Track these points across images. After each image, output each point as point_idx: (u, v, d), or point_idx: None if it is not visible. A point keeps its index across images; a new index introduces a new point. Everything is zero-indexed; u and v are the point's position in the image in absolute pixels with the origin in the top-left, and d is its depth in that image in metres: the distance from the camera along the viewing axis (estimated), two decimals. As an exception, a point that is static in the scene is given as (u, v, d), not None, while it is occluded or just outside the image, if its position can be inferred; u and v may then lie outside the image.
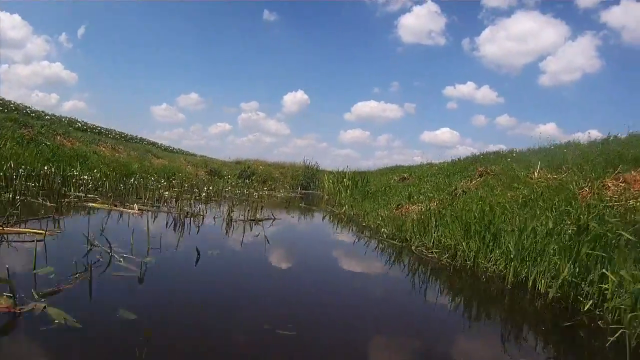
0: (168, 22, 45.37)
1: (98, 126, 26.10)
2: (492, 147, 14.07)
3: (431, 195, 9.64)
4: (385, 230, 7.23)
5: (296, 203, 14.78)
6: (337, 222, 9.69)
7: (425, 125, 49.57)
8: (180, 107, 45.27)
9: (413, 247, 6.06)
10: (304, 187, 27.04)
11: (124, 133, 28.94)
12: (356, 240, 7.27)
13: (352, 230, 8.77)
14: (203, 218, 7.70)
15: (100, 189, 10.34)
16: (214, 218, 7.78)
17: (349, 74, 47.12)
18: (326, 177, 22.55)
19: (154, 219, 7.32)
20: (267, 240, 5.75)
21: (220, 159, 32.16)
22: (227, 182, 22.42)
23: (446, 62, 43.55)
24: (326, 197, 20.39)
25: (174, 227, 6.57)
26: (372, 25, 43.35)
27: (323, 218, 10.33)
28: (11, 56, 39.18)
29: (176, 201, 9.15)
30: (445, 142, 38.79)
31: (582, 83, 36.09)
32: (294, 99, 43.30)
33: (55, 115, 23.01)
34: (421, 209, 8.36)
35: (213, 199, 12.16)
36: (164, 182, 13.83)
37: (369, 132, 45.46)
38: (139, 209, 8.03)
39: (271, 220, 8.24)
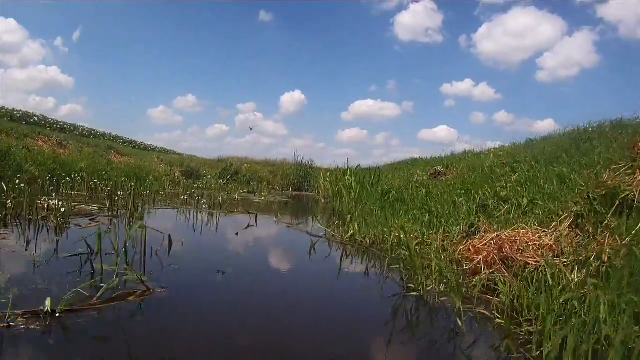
0: (163, 24, 42.83)
1: (61, 121, 22.95)
2: (490, 144, 12.54)
3: (541, 203, 4.52)
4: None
5: (275, 214, 9.60)
6: (346, 287, 4.18)
7: (423, 123, 48.02)
8: (177, 109, 42.97)
9: None
10: (297, 187, 22.06)
11: (94, 130, 25.92)
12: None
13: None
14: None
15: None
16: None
17: (346, 73, 44.27)
18: (322, 176, 17.44)
19: None
20: None
21: (203, 157, 27.64)
22: (204, 183, 17.66)
23: (443, 60, 41.40)
24: (322, 200, 15.26)
25: None
26: (368, 23, 41.50)
27: (309, 260, 4.83)
28: (7, 61, 36.98)
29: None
30: (443, 140, 36.85)
31: (580, 78, 34.36)
32: (292, 99, 40.48)
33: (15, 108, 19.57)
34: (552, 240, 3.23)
35: (131, 217, 6.99)
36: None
37: (366, 131, 42.91)
38: None
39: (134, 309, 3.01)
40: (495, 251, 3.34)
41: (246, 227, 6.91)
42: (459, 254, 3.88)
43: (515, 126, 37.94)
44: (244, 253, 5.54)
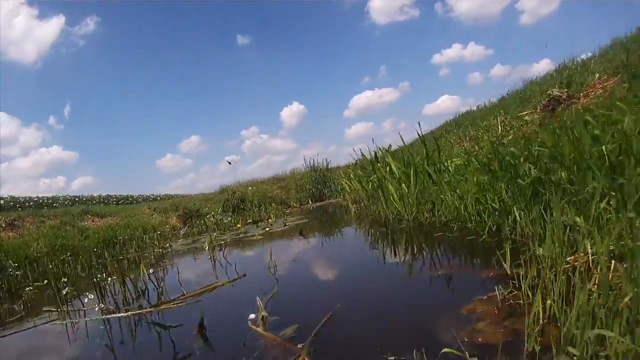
0: (145, 75, 43.09)
1: (30, 197, 20.33)
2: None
3: None
4: None
5: (270, 279, 5.01)
6: None
7: (424, 99, 48.10)
8: (185, 152, 43.45)
9: None
10: (317, 197, 17.65)
11: (78, 196, 23.56)
12: None
13: None
14: None
15: None
16: None
17: (336, 72, 45.34)
18: (344, 175, 12.90)
19: None
20: None
21: (203, 193, 23.93)
22: (207, 222, 13.98)
23: (426, 31, 41.94)
24: (353, 208, 10.64)
25: None
26: (343, 18, 41.82)
27: None
28: (9, 153, 37.63)
29: None
30: (448, 109, 37.91)
31: (562, 10, 33.79)
32: (291, 112, 41.14)
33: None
34: None
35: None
36: None
37: (372, 122, 43.30)
38: None
39: None
40: None
41: None
42: None
43: (515, 75, 38.04)
44: None
